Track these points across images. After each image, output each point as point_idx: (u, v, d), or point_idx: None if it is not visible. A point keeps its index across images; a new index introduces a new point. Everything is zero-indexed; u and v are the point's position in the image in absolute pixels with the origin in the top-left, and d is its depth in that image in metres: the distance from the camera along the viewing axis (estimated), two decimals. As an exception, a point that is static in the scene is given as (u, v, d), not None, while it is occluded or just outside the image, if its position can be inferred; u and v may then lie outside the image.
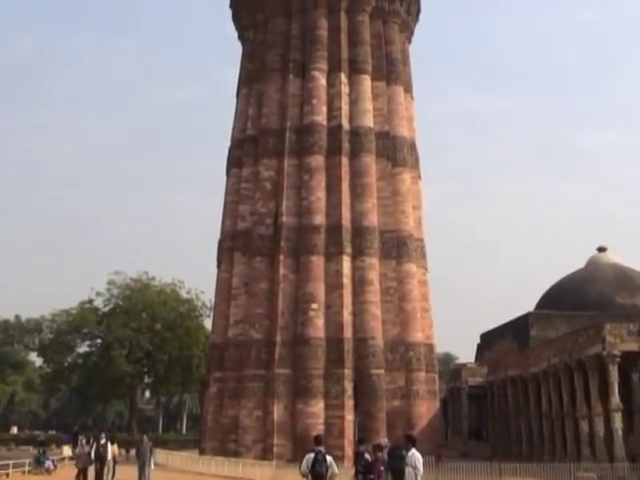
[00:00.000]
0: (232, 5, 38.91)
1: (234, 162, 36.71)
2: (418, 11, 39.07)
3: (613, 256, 45.03)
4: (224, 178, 37.25)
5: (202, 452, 33.39)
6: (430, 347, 34.74)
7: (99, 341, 57.75)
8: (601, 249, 45.76)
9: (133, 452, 29.39)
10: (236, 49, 39.32)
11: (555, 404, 31.80)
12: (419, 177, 37.12)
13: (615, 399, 27.11)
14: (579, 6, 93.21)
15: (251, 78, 37.30)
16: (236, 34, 39.40)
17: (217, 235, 36.63)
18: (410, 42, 39.27)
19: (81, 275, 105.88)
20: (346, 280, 33.29)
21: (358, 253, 33.92)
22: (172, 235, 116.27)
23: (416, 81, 38.86)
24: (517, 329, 40.69)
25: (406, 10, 38.04)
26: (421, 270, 35.57)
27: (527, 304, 79.05)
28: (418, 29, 39.80)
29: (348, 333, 32.59)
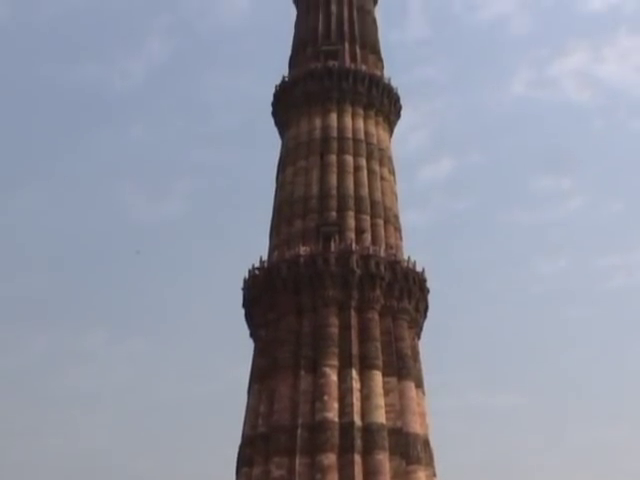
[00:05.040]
0: (245, 305, 40.09)
1: (244, 461, 35.93)
2: (426, 308, 40.10)
3: None
4: (233, 478, 36.25)
5: None
6: None
7: None
8: None
9: None
10: (248, 346, 39.99)
11: None
12: (434, 475, 36.21)
13: None
14: (567, 304, 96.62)
15: (262, 374, 37.54)
16: (248, 332, 40.20)
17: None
18: (419, 338, 39.92)
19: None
20: None
21: None
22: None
23: (427, 376, 39.09)
24: None
25: (414, 307, 39.07)
26: None
27: None
28: (427, 325, 40.67)
29: None
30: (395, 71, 45.41)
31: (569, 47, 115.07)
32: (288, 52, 46.12)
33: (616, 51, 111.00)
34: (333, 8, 45.07)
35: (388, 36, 48.30)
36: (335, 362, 36.23)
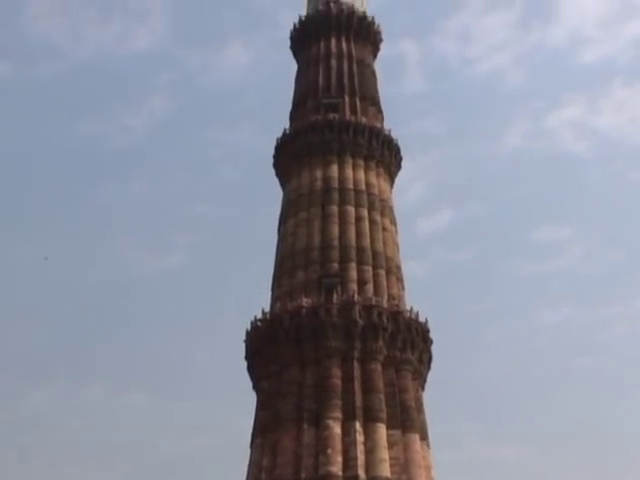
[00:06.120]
0: (247, 357, 39.87)
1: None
2: (430, 359, 39.81)
3: None
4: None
5: None
6: None
7: None
8: None
9: None
10: (250, 399, 39.70)
11: None
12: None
13: None
14: (570, 354, 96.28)
15: (265, 428, 37.16)
16: (250, 384, 39.92)
17: None
18: (423, 389, 39.58)
19: None
20: None
21: None
22: None
23: (431, 428, 38.62)
24: None
25: (418, 358, 38.78)
26: None
27: None
28: (430, 376, 40.32)
29: None
30: (393, 124, 45.86)
31: (565, 99, 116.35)
32: (288, 106, 46.60)
33: (612, 102, 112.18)
34: (333, 62, 45.62)
35: (386, 89, 48.78)
36: (338, 414, 35.87)
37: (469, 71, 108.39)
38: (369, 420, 36.04)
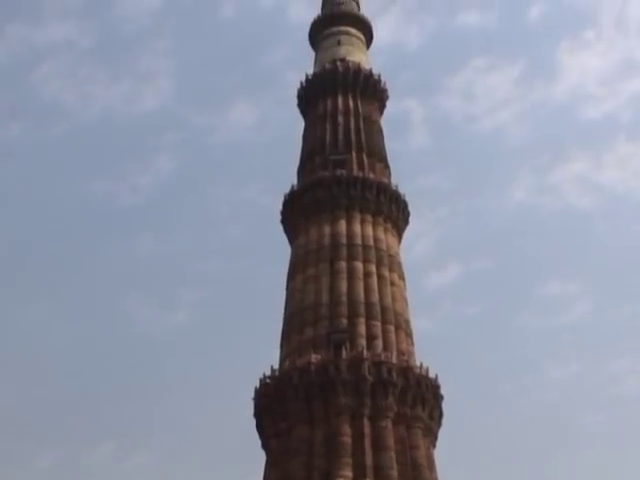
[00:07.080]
0: (256, 414, 39.46)
1: None
2: (440, 415, 39.36)
3: None
4: None
5: None
6: None
7: None
8: None
9: None
10: (260, 458, 39.19)
11: None
12: None
13: None
14: (581, 410, 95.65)
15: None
16: (259, 443, 39.46)
17: None
18: (434, 446, 39.03)
19: None
20: None
21: None
22: None
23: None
24: None
25: (428, 415, 38.33)
26: None
27: None
28: (442, 433, 39.81)
29: None
30: (400, 180, 46.08)
31: (569, 154, 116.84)
32: (295, 164, 46.94)
33: (615, 158, 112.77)
34: (340, 118, 46.06)
35: (392, 146, 49.15)
36: (349, 473, 35.28)
37: (473, 127, 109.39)
38: (380, 478, 35.44)
